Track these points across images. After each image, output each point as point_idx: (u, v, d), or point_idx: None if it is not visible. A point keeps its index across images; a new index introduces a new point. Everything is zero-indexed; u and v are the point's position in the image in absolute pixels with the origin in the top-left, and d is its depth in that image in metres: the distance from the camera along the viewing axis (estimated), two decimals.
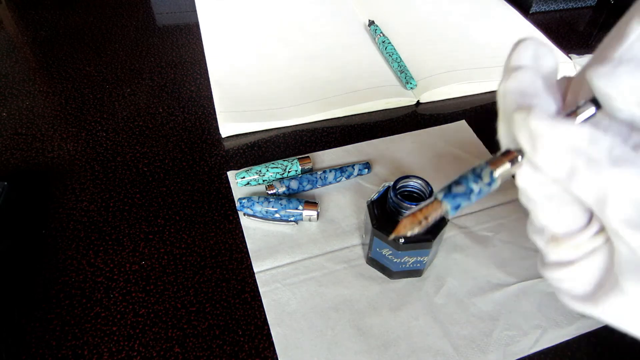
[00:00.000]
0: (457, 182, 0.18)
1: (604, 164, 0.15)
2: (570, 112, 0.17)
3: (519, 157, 0.18)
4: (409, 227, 0.19)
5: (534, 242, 0.20)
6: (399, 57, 0.53)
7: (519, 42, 0.19)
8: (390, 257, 0.32)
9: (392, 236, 0.20)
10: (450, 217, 0.21)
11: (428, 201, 0.19)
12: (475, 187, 0.18)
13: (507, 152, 0.18)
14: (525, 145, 0.16)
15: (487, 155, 0.44)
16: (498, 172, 0.18)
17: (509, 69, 0.18)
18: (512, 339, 0.31)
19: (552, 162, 0.16)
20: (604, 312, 0.18)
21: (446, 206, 0.18)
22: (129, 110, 0.48)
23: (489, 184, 0.18)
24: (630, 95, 0.16)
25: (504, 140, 0.18)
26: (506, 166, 0.18)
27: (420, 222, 0.19)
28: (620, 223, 0.16)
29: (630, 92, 0.16)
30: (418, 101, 0.50)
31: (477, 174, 0.18)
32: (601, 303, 0.18)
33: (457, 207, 0.18)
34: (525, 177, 0.18)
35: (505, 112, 0.18)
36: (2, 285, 0.34)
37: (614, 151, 0.15)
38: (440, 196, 0.18)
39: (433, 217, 0.19)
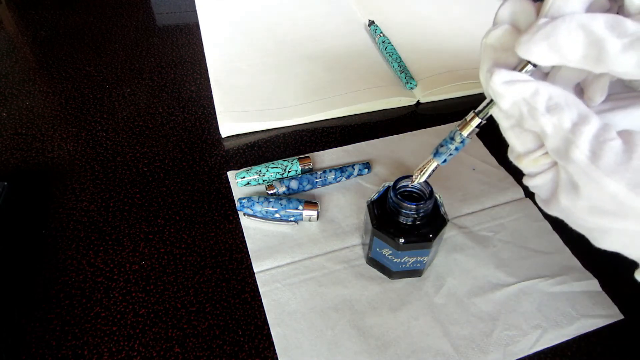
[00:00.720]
0: (440, 145, 0.28)
1: (541, 111, 0.22)
2: (522, 65, 0.23)
3: (479, 119, 0.26)
4: (416, 175, 0.29)
5: (511, 160, 0.27)
6: (399, 57, 0.53)
7: (502, 2, 0.24)
8: (390, 257, 0.32)
9: (413, 180, 0.30)
10: (442, 165, 0.28)
11: (425, 160, 0.29)
12: (452, 146, 0.27)
13: (472, 117, 0.26)
14: (493, 97, 0.23)
15: (487, 154, 0.43)
16: (465, 133, 0.26)
17: (492, 27, 0.24)
18: (512, 339, 0.31)
19: (509, 109, 0.23)
20: (552, 212, 0.26)
21: (436, 161, 0.28)
22: (129, 110, 0.48)
23: (462, 142, 0.27)
24: (544, 57, 0.21)
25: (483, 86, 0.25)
26: (471, 127, 0.26)
27: (421, 171, 0.29)
28: (551, 151, 0.23)
29: (544, 55, 0.21)
30: (418, 101, 0.50)
31: (451, 137, 0.27)
32: (551, 206, 0.26)
33: (444, 161, 0.28)
34: (496, 114, 0.25)
35: (481, 64, 0.24)
36: (2, 285, 0.34)
37: (550, 101, 0.22)
38: (431, 156, 0.28)
39: (429, 169, 0.29)
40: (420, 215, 0.30)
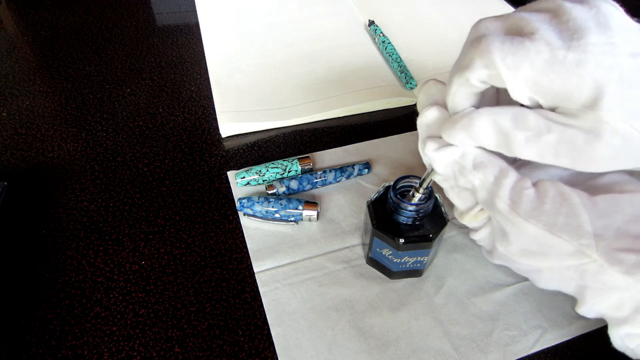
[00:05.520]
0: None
1: (468, 169, 0.25)
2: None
3: (419, 194, 0.30)
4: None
5: (456, 218, 0.30)
6: (399, 57, 0.53)
7: (423, 85, 0.28)
8: (390, 257, 0.32)
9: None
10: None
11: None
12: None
13: (413, 192, 0.30)
14: (429, 162, 0.27)
15: None
16: (415, 201, 0.30)
17: (419, 109, 0.28)
18: (512, 339, 0.31)
19: (443, 171, 0.27)
20: (495, 260, 0.30)
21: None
22: (129, 110, 0.48)
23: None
24: (464, 143, 0.25)
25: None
26: (416, 199, 0.30)
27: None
28: (482, 204, 0.26)
29: (464, 141, 0.25)
30: None
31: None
32: (493, 255, 0.29)
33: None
34: (437, 179, 0.28)
35: (419, 138, 0.27)
36: (2, 285, 0.34)
37: (476, 160, 0.25)
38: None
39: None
40: (420, 215, 0.30)
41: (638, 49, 0.21)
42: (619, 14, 0.22)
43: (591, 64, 0.21)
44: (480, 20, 0.24)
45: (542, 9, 0.23)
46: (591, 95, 0.21)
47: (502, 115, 0.23)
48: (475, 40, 0.23)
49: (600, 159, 0.22)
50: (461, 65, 0.24)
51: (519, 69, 0.22)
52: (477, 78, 0.23)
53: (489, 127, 0.24)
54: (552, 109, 0.23)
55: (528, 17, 0.22)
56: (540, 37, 0.21)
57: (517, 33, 0.22)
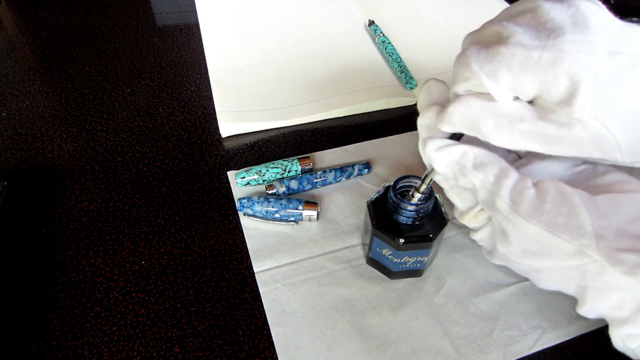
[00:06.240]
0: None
1: (469, 168, 0.25)
2: (452, 135, 0.27)
3: (419, 194, 0.30)
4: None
5: (457, 218, 0.30)
6: (399, 57, 0.53)
7: (423, 84, 0.28)
8: (390, 257, 0.32)
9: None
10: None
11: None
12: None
13: (413, 192, 0.30)
14: (429, 162, 0.27)
15: None
16: (415, 201, 0.30)
17: (420, 108, 0.28)
18: (512, 339, 0.31)
19: (443, 170, 0.27)
20: (495, 261, 0.30)
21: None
22: (129, 110, 0.48)
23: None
24: (445, 128, 0.25)
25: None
26: (416, 198, 0.30)
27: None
28: (482, 204, 0.27)
29: (444, 127, 0.25)
30: None
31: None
32: (493, 255, 0.29)
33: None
34: (437, 179, 0.28)
35: (420, 140, 0.27)
36: (2, 285, 0.34)
37: (476, 159, 0.25)
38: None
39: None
40: (420, 215, 0.30)
41: (617, 48, 0.22)
42: (599, 13, 0.22)
43: (566, 62, 0.21)
44: (466, 35, 0.25)
45: (522, 11, 0.23)
46: (567, 92, 0.22)
47: (476, 103, 0.24)
48: (457, 55, 0.24)
49: (567, 146, 0.24)
50: (452, 80, 0.25)
51: (497, 74, 0.22)
52: (465, 90, 0.24)
53: (462, 114, 0.24)
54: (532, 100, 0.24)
55: (507, 23, 0.23)
56: (515, 41, 0.22)
57: (497, 40, 0.23)
